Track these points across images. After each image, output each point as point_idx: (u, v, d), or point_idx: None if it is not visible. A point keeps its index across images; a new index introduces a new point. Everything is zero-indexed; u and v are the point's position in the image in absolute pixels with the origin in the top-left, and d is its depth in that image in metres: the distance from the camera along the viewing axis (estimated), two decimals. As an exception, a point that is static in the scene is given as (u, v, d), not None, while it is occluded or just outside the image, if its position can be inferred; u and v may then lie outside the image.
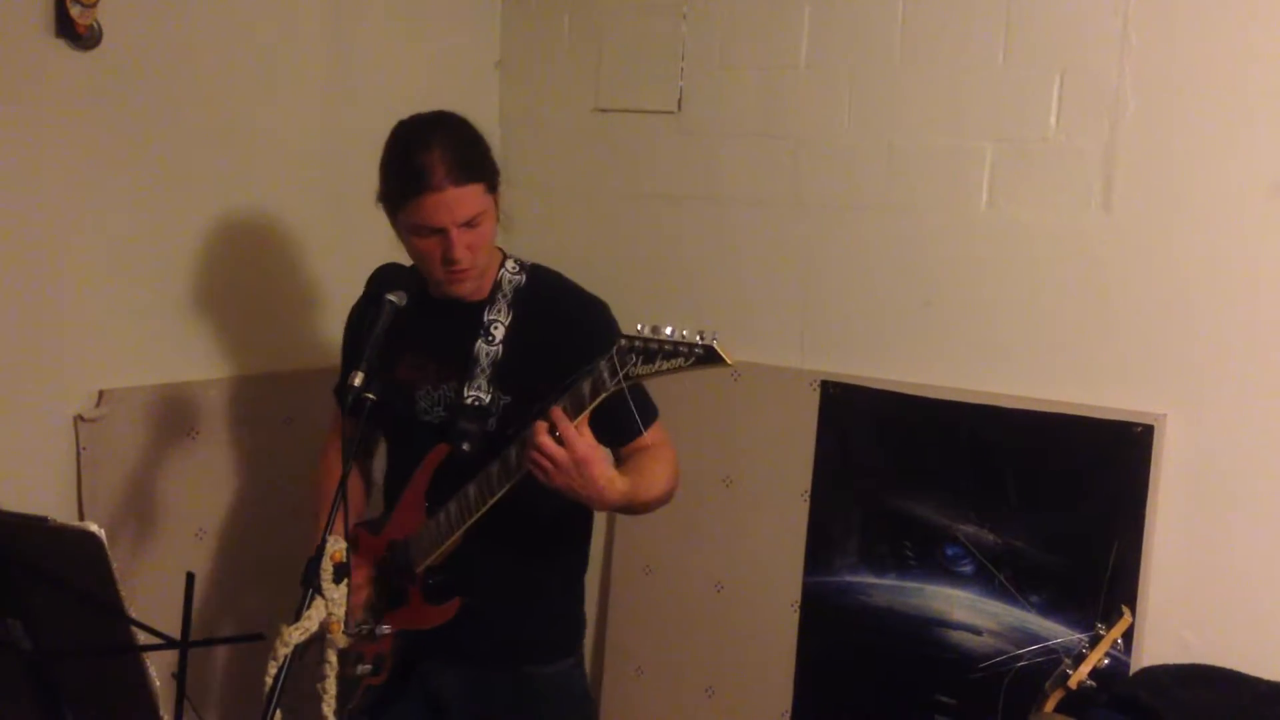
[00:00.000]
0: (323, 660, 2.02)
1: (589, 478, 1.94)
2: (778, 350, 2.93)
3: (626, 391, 1.87)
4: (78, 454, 2.51)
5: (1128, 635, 2.37)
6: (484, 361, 2.12)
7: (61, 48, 2.39)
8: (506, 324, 2.14)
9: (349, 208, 3.02)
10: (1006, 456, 2.63)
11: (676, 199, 3.12)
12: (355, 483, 2.37)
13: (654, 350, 1.82)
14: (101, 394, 2.54)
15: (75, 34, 2.38)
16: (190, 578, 1.53)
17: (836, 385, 2.86)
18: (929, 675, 2.73)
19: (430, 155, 1.99)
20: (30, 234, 2.40)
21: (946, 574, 2.71)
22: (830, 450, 2.87)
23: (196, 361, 2.73)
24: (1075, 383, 2.57)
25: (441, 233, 2.03)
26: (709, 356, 1.80)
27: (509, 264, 2.19)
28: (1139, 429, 2.47)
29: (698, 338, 1.80)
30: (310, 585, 1.83)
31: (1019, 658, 2.62)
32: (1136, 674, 2.42)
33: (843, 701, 2.88)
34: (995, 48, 2.63)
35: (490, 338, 2.13)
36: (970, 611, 2.68)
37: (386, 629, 2.20)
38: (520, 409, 2.09)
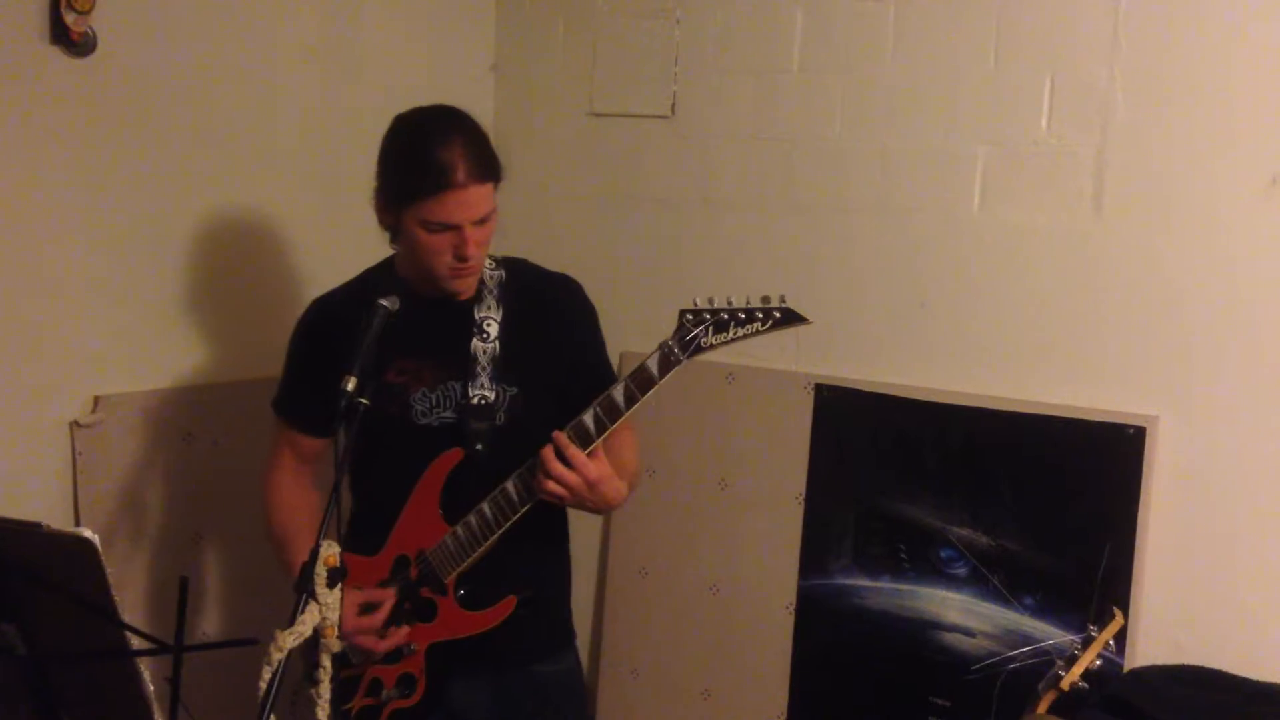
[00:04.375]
0: (316, 664, 2.01)
1: (600, 494, 2.02)
2: (772, 353, 2.93)
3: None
4: (73, 460, 2.50)
5: (1120, 636, 2.38)
6: (483, 359, 2.11)
7: (56, 54, 2.39)
8: (499, 319, 2.14)
9: (344, 213, 3.02)
10: (999, 458, 2.64)
11: (670, 203, 3.13)
12: (317, 505, 2.21)
13: (725, 320, 1.86)
14: (97, 400, 2.54)
15: (70, 41, 2.38)
16: (184, 582, 1.54)
17: (830, 388, 2.86)
18: (923, 677, 2.74)
19: (452, 151, 1.96)
20: (25, 240, 2.40)
21: (940, 576, 2.72)
22: (824, 453, 2.88)
23: (192, 367, 2.73)
24: (1067, 384, 2.58)
25: (455, 229, 1.99)
26: (788, 318, 1.84)
27: (486, 261, 2.18)
28: (1131, 430, 2.48)
29: (764, 301, 1.83)
30: (304, 590, 1.82)
31: (1012, 659, 2.62)
32: (1128, 675, 2.43)
33: (837, 703, 2.89)
34: (987, 51, 2.64)
35: (485, 335, 2.13)
36: (964, 613, 2.69)
37: (414, 647, 2.12)
38: (528, 399, 2.12)
